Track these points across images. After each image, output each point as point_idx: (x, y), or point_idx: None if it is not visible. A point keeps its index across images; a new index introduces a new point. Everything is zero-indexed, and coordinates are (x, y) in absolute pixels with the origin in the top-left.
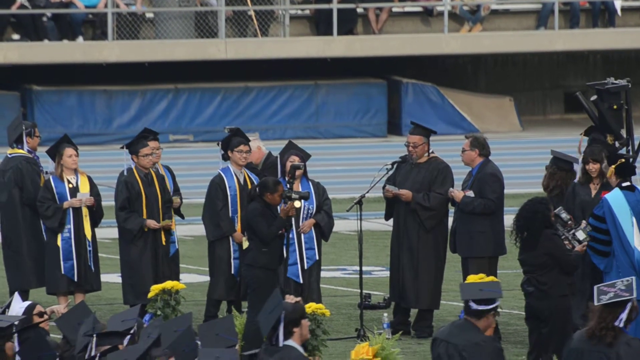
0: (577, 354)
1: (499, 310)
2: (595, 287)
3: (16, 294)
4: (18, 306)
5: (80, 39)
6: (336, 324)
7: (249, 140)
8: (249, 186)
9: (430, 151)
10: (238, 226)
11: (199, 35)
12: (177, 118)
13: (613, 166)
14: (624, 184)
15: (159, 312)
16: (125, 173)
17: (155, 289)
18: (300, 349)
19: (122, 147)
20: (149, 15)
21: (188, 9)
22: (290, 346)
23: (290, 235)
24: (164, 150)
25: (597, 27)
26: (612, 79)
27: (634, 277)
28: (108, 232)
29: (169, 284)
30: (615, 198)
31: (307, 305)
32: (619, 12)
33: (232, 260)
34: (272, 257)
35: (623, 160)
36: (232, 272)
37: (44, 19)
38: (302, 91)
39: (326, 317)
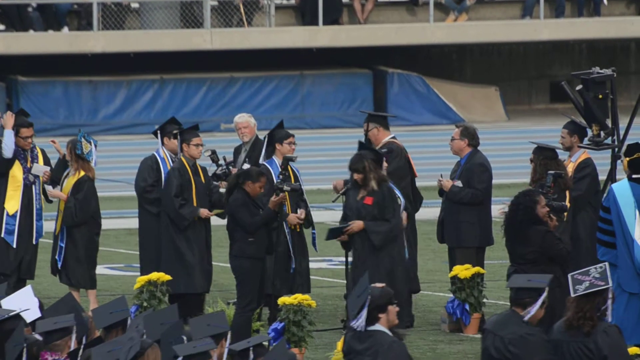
0: (556, 345)
1: (485, 300)
2: (569, 276)
3: (29, 286)
4: (31, 300)
5: (65, 29)
6: (322, 315)
7: (292, 135)
8: (292, 179)
9: (392, 136)
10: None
11: (184, 25)
12: (163, 108)
13: (627, 158)
14: (634, 176)
15: (145, 304)
16: (159, 157)
17: (141, 280)
18: (390, 334)
19: (154, 133)
20: (134, 5)
21: None
22: (381, 331)
23: None
24: (151, 141)
25: (583, 17)
26: (598, 69)
27: (606, 264)
28: None
29: (154, 275)
30: (622, 188)
31: (293, 297)
32: (605, 1)
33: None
34: (259, 247)
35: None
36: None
37: (29, 9)
38: (288, 81)
39: (312, 308)
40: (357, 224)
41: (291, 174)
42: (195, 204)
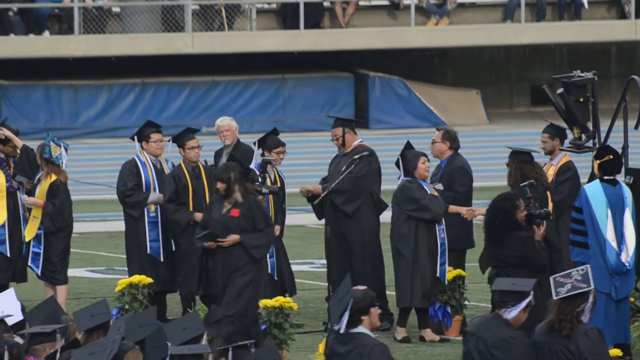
0: (537, 347)
1: (466, 303)
2: (551, 278)
3: (12, 289)
4: (13, 303)
5: (46, 33)
6: (304, 317)
7: (283, 144)
8: (278, 183)
9: (359, 140)
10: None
11: (165, 29)
12: (144, 112)
13: (598, 160)
14: (606, 177)
15: (127, 307)
16: (139, 161)
17: (122, 283)
18: (373, 336)
19: (132, 138)
20: (116, 9)
21: (154, 2)
22: (364, 333)
23: (443, 235)
24: (132, 144)
25: (564, 20)
26: (579, 72)
27: (588, 266)
28: (76, 226)
29: (135, 278)
30: (593, 190)
31: (274, 299)
32: (586, 5)
33: (267, 259)
34: None
35: (611, 157)
36: (269, 271)
37: (10, 13)
38: (269, 85)
39: (294, 311)
40: (233, 238)
41: (277, 178)
42: (192, 208)
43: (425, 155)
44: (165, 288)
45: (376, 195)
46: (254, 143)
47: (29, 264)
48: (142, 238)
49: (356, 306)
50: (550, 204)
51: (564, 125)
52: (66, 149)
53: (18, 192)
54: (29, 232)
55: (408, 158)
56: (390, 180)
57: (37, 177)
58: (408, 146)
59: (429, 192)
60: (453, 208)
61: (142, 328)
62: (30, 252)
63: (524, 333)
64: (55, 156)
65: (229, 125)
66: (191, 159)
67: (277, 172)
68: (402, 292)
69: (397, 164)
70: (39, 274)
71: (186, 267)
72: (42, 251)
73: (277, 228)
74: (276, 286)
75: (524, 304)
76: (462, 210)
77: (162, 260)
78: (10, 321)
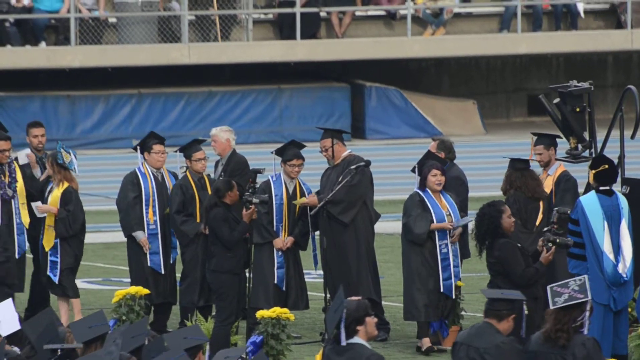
0: (534, 357)
1: (462, 313)
2: (548, 288)
3: (10, 300)
4: (10, 314)
5: (43, 44)
6: (300, 328)
7: (303, 158)
8: (298, 197)
9: (348, 150)
10: (283, 235)
11: (162, 40)
12: (141, 123)
13: (593, 170)
14: (602, 188)
15: (124, 318)
16: (140, 173)
17: (119, 294)
18: (369, 346)
19: (135, 149)
20: (112, 20)
21: (151, 13)
22: (359, 344)
23: (446, 250)
24: (128, 155)
25: (560, 30)
26: (575, 82)
27: (586, 276)
28: None
29: (132, 289)
30: (589, 201)
31: (271, 310)
32: (582, 14)
33: (275, 270)
34: (237, 262)
35: (607, 166)
36: (276, 281)
37: (7, 24)
38: (266, 95)
39: (291, 321)
40: None
41: (298, 189)
42: (198, 220)
43: (438, 168)
44: (166, 300)
45: (370, 204)
46: (272, 152)
47: (48, 272)
48: (143, 251)
49: (351, 317)
50: (540, 216)
51: (553, 133)
52: (75, 156)
53: (13, 200)
54: (47, 241)
55: (422, 169)
56: (386, 191)
57: (49, 187)
58: (427, 155)
59: (432, 209)
60: (434, 226)
61: (133, 339)
62: (49, 262)
63: (514, 339)
64: (68, 162)
65: (216, 136)
66: (198, 170)
67: (300, 184)
68: (404, 305)
69: (413, 170)
70: (56, 282)
71: (189, 278)
72: (59, 260)
73: (289, 239)
74: (282, 298)
75: (523, 315)
76: (446, 225)
77: (162, 272)
78: (7, 331)
